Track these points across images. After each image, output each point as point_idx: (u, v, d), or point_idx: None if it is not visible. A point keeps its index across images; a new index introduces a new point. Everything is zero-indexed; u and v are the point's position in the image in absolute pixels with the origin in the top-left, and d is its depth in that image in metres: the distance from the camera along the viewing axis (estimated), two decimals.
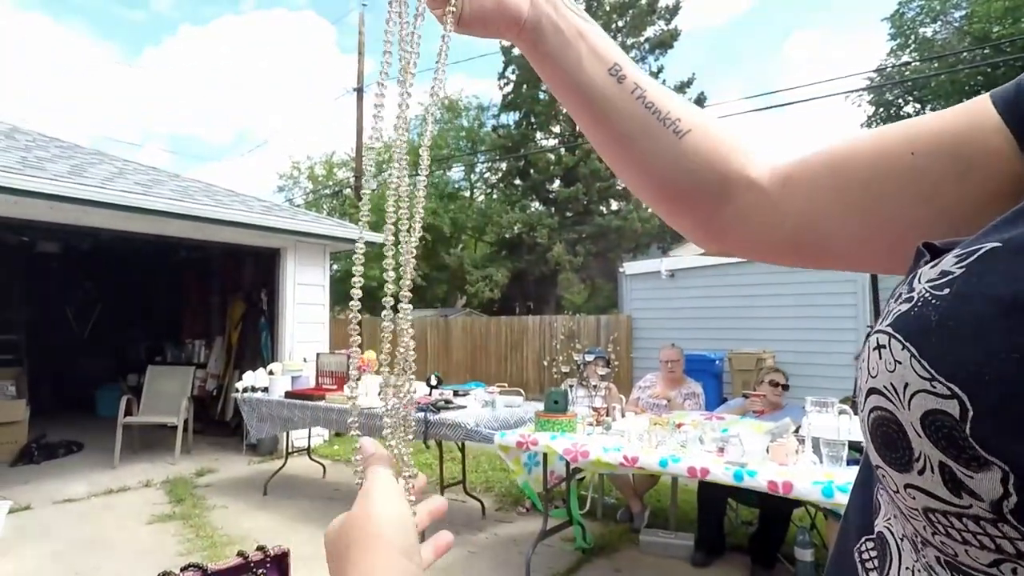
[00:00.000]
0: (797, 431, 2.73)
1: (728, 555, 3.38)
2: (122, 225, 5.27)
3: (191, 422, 6.20)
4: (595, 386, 3.48)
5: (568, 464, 3.02)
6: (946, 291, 0.25)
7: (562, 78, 0.48)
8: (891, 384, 0.25)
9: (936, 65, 13.51)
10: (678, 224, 0.52)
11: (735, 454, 2.55)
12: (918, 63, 14.32)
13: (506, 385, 4.50)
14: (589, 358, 3.73)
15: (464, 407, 3.88)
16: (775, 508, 3.10)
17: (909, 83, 14.37)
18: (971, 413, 0.22)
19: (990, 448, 0.22)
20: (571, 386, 3.47)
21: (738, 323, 7.84)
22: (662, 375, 4.11)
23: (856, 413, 2.73)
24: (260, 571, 0.90)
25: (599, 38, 0.48)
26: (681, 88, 16.42)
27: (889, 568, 0.30)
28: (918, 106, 15.37)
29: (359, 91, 13.50)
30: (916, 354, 0.24)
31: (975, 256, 0.25)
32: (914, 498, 0.25)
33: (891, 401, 0.25)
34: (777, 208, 0.46)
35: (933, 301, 0.25)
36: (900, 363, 0.25)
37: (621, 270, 10.22)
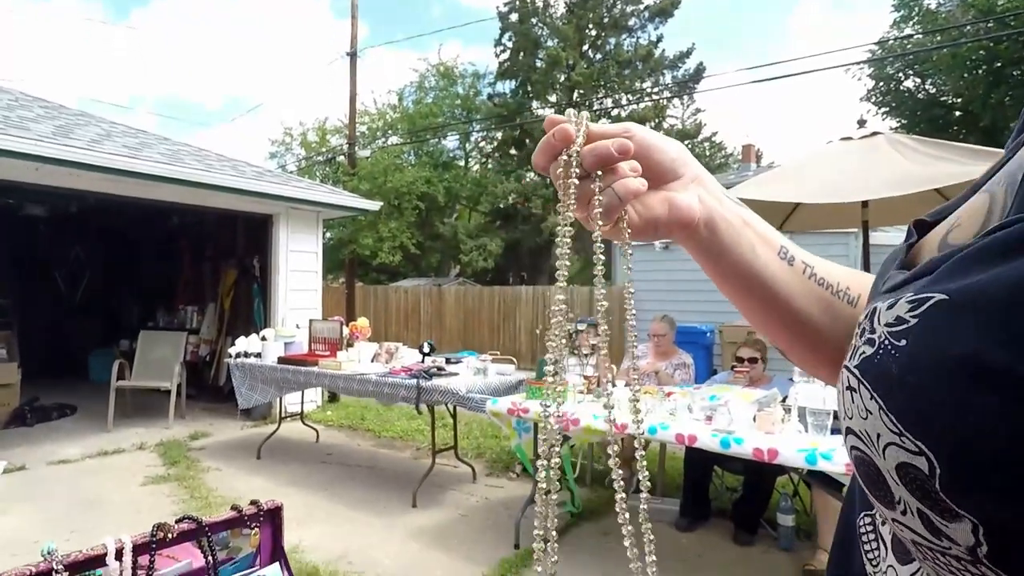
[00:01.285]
0: (784, 401, 2.77)
1: (712, 520, 3.47)
2: (110, 189, 5.19)
3: (184, 387, 6.23)
4: (586, 355, 3.51)
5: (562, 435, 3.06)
6: (903, 342, 0.25)
7: (736, 270, 0.47)
8: (865, 431, 0.26)
9: (939, 38, 13.33)
10: None
11: (723, 422, 2.60)
12: (920, 36, 14.12)
13: (498, 354, 4.53)
14: (581, 327, 3.75)
15: (456, 374, 3.91)
16: (759, 475, 3.17)
17: (910, 56, 14.19)
18: (938, 470, 0.23)
19: (958, 503, 0.22)
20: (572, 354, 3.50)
21: None
22: (651, 347, 4.15)
23: None
24: (253, 524, 0.91)
25: (761, 223, 0.47)
26: (680, 59, 16.17)
27: (890, 545, 0.31)
28: (918, 80, 15.22)
29: (352, 55, 13.19)
30: (883, 407, 0.25)
31: (926, 306, 0.25)
32: (902, 531, 0.26)
33: (868, 447, 0.26)
34: None
35: (892, 352, 0.25)
36: (871, 412, 0.25)
37: (615, 242, 10.21)
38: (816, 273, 0.47)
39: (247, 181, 5.87)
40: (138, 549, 0.81)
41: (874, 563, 0.33)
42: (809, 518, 3.34)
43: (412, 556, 3.09)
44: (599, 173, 0.42)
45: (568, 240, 0.41)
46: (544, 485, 0.41)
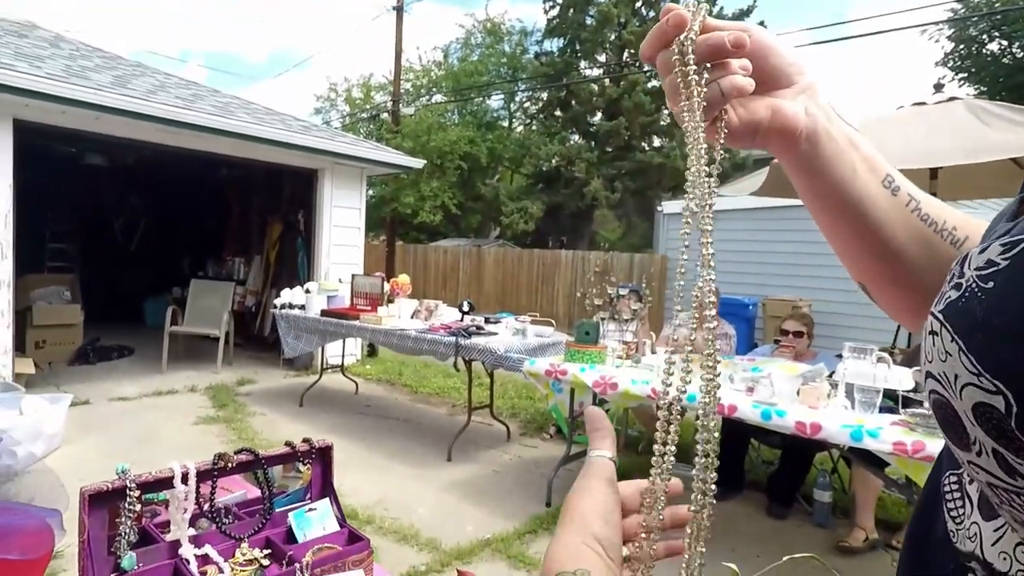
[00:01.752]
0: (831, 376, 2.69)
1: (746, 492, 3.45)
2: (164, 139, 5.33)
3: (232, 335, 6.48)
4: (626, 320, 3.48)
5: (596, 395, 3.07)
6: (990, 284, 0.25)
7: (832, 190, 0.44)
8: (943, 373, 0.26)
9: None
10: None
11: (764, 394, 2.55)
12: None
13: (537, 315, 4.53)
14: (623, 292, 3.71)
15: (495, 334, 3.94)
16: (798, 449, 3.12)
17: (998, 16, 13.07)
18: (1015, 409, 0.23)
19: None
20: (602, 319, 3.48)
21: (775, 268, 7.66)
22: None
23: (897, 363, 2.68)
24: (306, 461, 0.95)
25: (870, 148, 0.45)
26: (739, 17, 15.37)
27: (978, 502, 0.31)
28: (1004, 43, 14.06)
29: (399, 10, 13.02)
30: (964, 348, 0.25)
31: (1018, 248, 0.25)
32: (977, 473, 0.26)
33: (945, 389, 0.26)
34: None
35: (979, 294, 0.25)
36: (950, 354, 0.25)
37: (659, 208, 9.99)
38: (921, 208, 0.45)
39: (294, 135, 5.94)
40: (200, 476, 0.86)
41: (957, 520, 0.32)
42: (847, 496, 3.29)
43: (446, 507, 3.19)
44: (708, 65, 0.39)
45: (701, 140, 0.38)
46: (657, 470, 0.39)
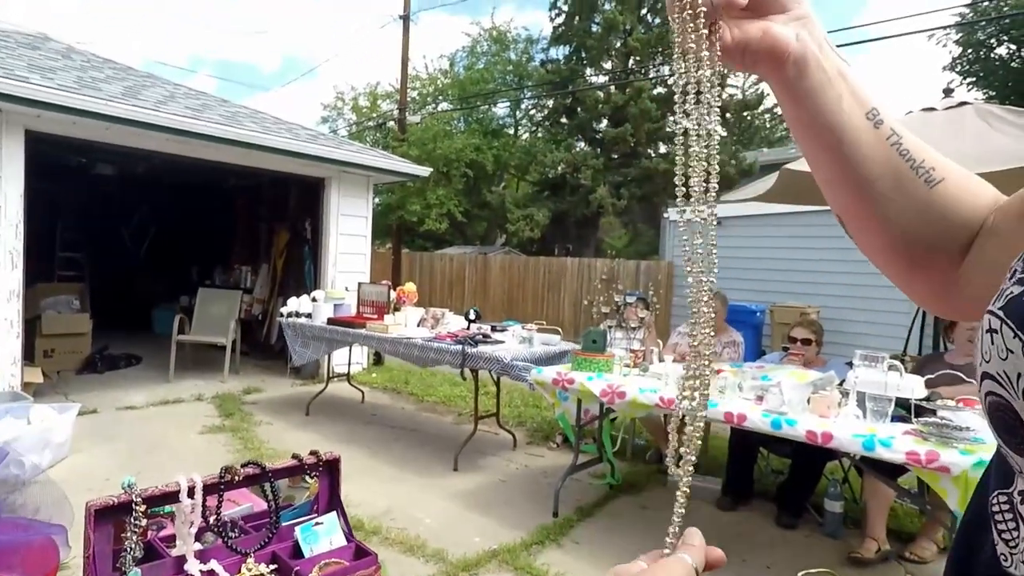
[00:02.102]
0: (841, 384, 2.67)
1: (755, 501, 3.41)
2: (174, 149, 5.37)
3: (239, 343, 6.50)
4: (634, 328, 3.46)
5: (602, 405, 3.05)
6: None
7: (816, 118, 0.46)
8: (1004, 372, 0.25)
9: None
10: (909, 286, 0.50)
11: (774, 403, 2.52)
12: None
13: (544, 323, 4.52)
14: (630, 300, 3.70)
15: (502, 342, 3.93)
16: (808, 459, 3.08)
17: (1007, 20, 13.00)
18: None
19: None
20: (609, 327, 3.46)
21: (784, 275, 7.62)
22: None
23: (909, 371, 2.64)
24: (313, 474, 0.94)
25: (859, 81, 0.47)
26: None
27: None
28: (1013, 47, 13.97)
29: (405, 19, 13.11)
30: None
31: None
32: None
33: (1005, 389, 0.25)
34: (1015, 253, 0.43)
35: None
36: (1012, 352, 0.24)
37: (665, 215, 9.97)
38: (902, 143, 0.46)
39: (302, 144, 5.97)
40: (207, 489, 0.85)
41: (1011, 544, 0.31)
42: (858, 506, 3.24)
43: (452, 517, 3.17)
44: None
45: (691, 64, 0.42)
46: (681, 485, 0.39)
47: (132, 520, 0.75)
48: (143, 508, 0.77)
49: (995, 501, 0.33)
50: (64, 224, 7.96)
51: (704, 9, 0.41)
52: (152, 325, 8.41)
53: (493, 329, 4.31)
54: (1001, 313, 0.26)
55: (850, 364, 2.79)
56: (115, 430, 4.31)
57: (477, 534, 2.96)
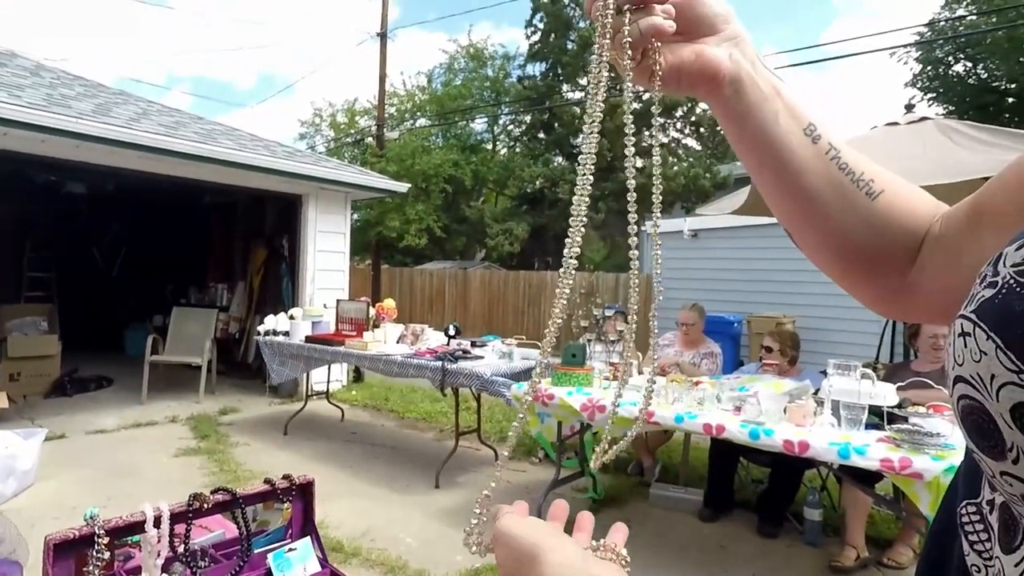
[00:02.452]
0: (816, 394, 2.71)
1: (736, 512, 3.43)
2: (147, 167, 5.29)
3: (215, 363, 6.38)
4: (613, 341, 3.48)
5: (582, 423, 3.05)
6: None
7: (755, 136, 0.47)
8: (977, 375, 0.25)
9: (994, 19, 12.68)
10: (859, 293, 0.52)
11: (752, 413, 2.55)
12: (974, 16, 13.46)
13: (524, 338, 4.52)
14: (608, 313, 3.72)
15: (482, 358, 3.92)
16: (787, 468, 3.11)
17: (962, 39, 13.53)
18: None
19: None
20: (589, 341, 3.47)
21: (760, 286, 7.74)
22: (680, 336, 4.10)
23: (879, 379, 2.70)
24: (286, 499, 0.92)
25: (794, 97, 0.47)
26: None
27: (1016, 531, 0.30)
28: (969, 64, 14.53)
29: (382, 36, 13.17)
30: (1002, 345, 0.24)
31: None
32: (1011, 485, 0.25)
33: (979, 391, 0.25)
34: (962, 258, 0.44)
35: (1018, 289, 0.24)
36: (986, 354, 0.24)
37: (643, 228, 10.08)
38: (840, 157, 0.47)
39: (278, 161, 5.93)
40: (175, 518, 0.83)
41: (983, 554, 0.31)
42: (836, 513, 3.28)
43: (434, 535, 3.12)
44: (630, 9, 0.43)
45: (603, 85, 0.43)
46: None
47: (94, 553, 0.73)
48: (106, 540, 0.75)
49: (964, 512, 0.33)
50: (32, 243, 7.76)
51: (629, 40, 0.42)
52: (124, 346, 8.21)
53: (473, 344, 4.30)
54: (974, 316, 0.26)
55: (825, 373, 2.84)
56: (84, 455, 4.18)
57: (459, 553, 2.92)
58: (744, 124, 0.47)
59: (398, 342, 4.48)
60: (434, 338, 4.49)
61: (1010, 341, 0.23)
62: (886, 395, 2.47)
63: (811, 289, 7.26)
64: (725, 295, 7.89)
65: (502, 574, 0.40)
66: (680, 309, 4.18)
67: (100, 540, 0.73)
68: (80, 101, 5.56)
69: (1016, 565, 0.28)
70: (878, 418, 2.45)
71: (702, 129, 17.12)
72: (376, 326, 4.64)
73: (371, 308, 4.79)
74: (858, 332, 6.56)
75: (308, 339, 4.70)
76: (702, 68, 0.44)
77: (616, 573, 0.36)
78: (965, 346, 0.26)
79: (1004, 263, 0.26)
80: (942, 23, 14.24)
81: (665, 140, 16.48)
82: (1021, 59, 12.87)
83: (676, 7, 0.44)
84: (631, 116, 0.45)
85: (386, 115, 14.98)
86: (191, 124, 6.46)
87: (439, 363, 3.72)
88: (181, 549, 0.85)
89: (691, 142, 17.82)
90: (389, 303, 4.84)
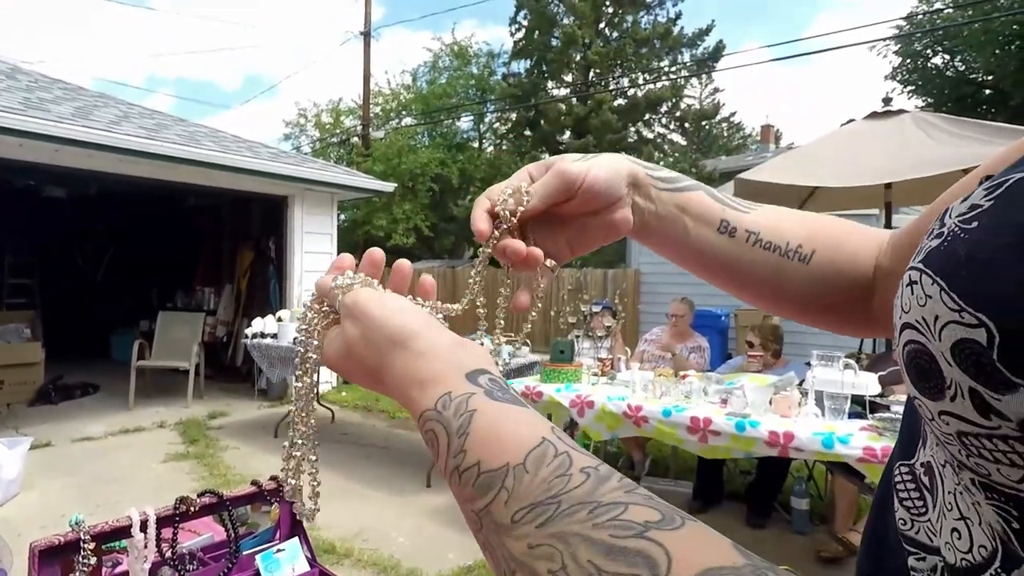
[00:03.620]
0: (801, 385, 2.74)
1: (725, 503, 3.47)
2: (128, 170, 5.24)
3: (203, 367, 6.33)
4: (601, 337, 3.50)
5: (571, 418, 3.07)
6: (974, 224, 0.26)
7: (679, 251, 0.51)
8: (922, 318, 0.26)
9: (970, 13, 12.87)
10: (836, 329, 0.54)
11: (738, 405, 2.58)
12: (951, 10, 13.65)
13: (513, 336, 4.53)
14: (596, 309, 3.74)
15: None
16: (774, 458, 3.15)
17: (939, 32, 13.72)
18: (998, 339, 0.23)
19: (1016, 371, 0.23)
20: (577, 337, 3.49)
21: None
22: (668, 328, 4.13)
23: (862, 369, 2.74)
24: (273, 500, 0.93)
25: (700, 203, 0.49)
26: (699, 36, 15.86)
27: (935, 492, 0.31)
28: (947, 57, 14.73)
29: (366, 35, 13.10)
30: (945, 287, 0.25)
31: (1003, 188, 0.26)
32: (948, 424, 0.26)
33: (923, 334, 0.26)
34: None
35: (962, 235, 0.26)
36: (931, 297, 0.26)
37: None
38: (762, 238, 0.49)
39: (263, 162, 5.89)
40: (162, 522, 0.83)
41: (913, 512, 0.33)
42: (823, 502, 3.33)
43: (426, 535, 3.13)
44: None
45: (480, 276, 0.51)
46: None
47: (80, 559, 0.73)
48: (92, 546, 0.75)
49: (897, 472, 0.35)
50: (13, 249, 7.65)
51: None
52: (110, 351, 8.12)
53: None
54: (921, 265, 0.27)
55: (809, 364, 2.88)
56: (71, 463, 4.13)
57: (452, 551, 2.93)
58: (664, 245, 0.50)
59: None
60: None
61: (953, 283, 0.25)
62: (868, 384, 2.51)
63: None
64: (712, 288, 7.89)
65: (347, 366, 0.40)
66: (670, 302, 4.20)
67: (86, 546, 0.73)
68: (59, 104, 5.48)
69: (957, 521, 0.29)
70: (861, 407, 2.49)
71: (687, 124, 17.21)
72: None
73: None
74: None
75: (296, 341, 4.67)
76: (616, 234, 0.49)
77: (486, 360, 0.36)
78: (912, 293, 0.27)
79: (950, 215, 0.28)
80: (920, 16, 14.42)
81: (651, 136, 16.55)
82: (997, 51, 13.07)
83: (576, 200, 0.46)
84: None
85: (371, 114, 14.91)
86: (173, 126, 6.39)
87: None
88: (168, 553, 0.85)
89: (677, 137, 17.91)
90: None
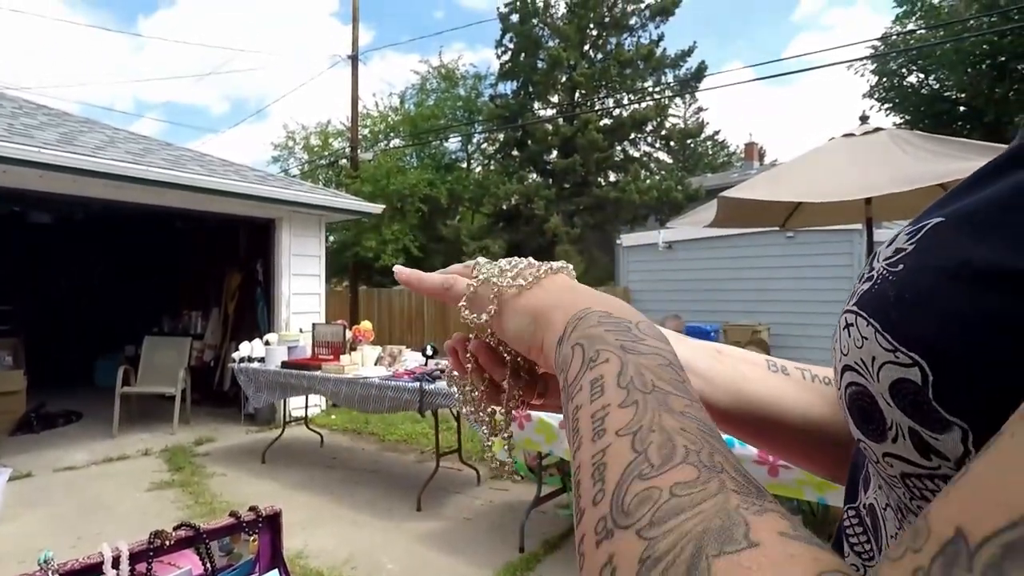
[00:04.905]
0: None
1: None
2: (114, 195, 5.21)
3: (189, 392, 6.24)
4: None
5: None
6: (900, 267, 0.27)
7: (738, 407, 0.42)
8: (861, 360, 0.27)
9: (942, 33, 13.25)
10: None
11: None
12: (923, 31, 14.03)
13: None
14: None
15: None
16: None
17: (914, 52, 14.10)
18: (931, 378, 0.23)
19: (950, 409, 0.23)
20: None
21: (734, 295, 7.87)
22: None
23: None
24: (252, 531, 0.91)
25: (734, 349, 0.45)
26: (682, 57, 16.16)
27: (878, 536, 0.31)
28: (921, 76, 15.12)
29: (354, 59, 13.22)
30: (879, 328, 0.26)
31: (922, 232, 0.27)
32: (892, 465, 0.26)
33: (862, 375, 0.27)
34: None
35: (890, 278, 0.27)
36: (867, 338, 0.26)
37: (618, 242, 10.21)
38: (817, 374, 0.44)
39: (249, 185, 5.88)
40: (135, 557, 0.81)
41: (863, 555, 0.33)
42: (816, 518, 3.31)
43: (417, 560, 3.08)
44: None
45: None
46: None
47: None
48: None
49: (846, 516, 0.35)
50: None
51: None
52: (94, 377, 7.99)
53: None
54: (855, 308, 0.28)
55: None
56: (52, 494, 4.04)
57: (443, 575, 2.89)
58: (714, 403, 0.41)
59: (376, 364, 4.44)
60: (412, 359, 4.46)
61: (886, 324, 0.26)
62: None
63: (781, 296, 7.41)
64: (702, 304, 8.00)
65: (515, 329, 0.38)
66: (663, 319, 4.22)
67: None
68: (43, 130, 5.47)
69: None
70: None
71: (672, 143, 17.45)
72: (353, 349, 4.60)
73: (348, 331, 4.75)
74: (827, 338, 6.69)
75: (284, 364, 4.63)
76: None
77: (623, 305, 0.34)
78: (849, 336, 0.28)
79: (878, 259, 0.29)
80: (894, 37, 14.81)
81: (637, 155, 16.73)
82: (969, 70, 13.43)
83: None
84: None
85: (360, 136, 14.99)
86: (159, 151, 6.39)
87: (417, 384, 3.70)
88: None
89: (662, 155, 18.13)
90: (366, 325, 4.80)
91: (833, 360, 0.30)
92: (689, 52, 16.04)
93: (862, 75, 15.68)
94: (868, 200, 3.39)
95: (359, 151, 14.17)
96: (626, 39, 16.31)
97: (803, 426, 0.42)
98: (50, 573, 0.73)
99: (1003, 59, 12.72)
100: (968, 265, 0.23)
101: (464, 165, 19.58)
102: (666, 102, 16.51)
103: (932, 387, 0.23)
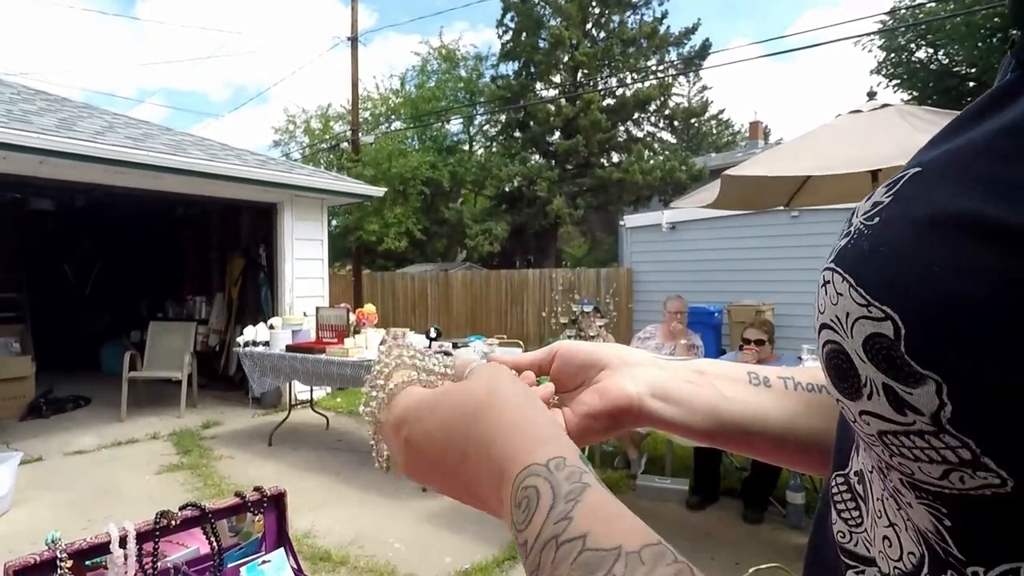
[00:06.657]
0: None
1: (721, 500, 3.47)
2: (114, 180, 5.20)
3: (195, 377, 6.28)
4: (592, 336, 3.50)
5: None
6: (876, 220, 0.26)
7: (720, 423, 0.43)
8: (836, 317, 0.26)
9: (952, 6, 12.98)
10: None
11: None
12: (932, 4, 13.76)
13: (505, 337, 4.52)
14: (587, 309, 3.74)
15: None
16: None
17: (922, 26, 13.84)
18: (903, 331, 0.23)
19: (923, 362, 0.23)
20: (570, 337, 3.49)
21: (738, 275, 7.84)
22: (663, 326, 4.12)
23: None
24: (257, 511, 0.92)
25: (716, 365, 0.45)
26: (686, 35, 15.92)
27: (866, 500, 0.31)
28: (930, 51, 14.86)
29: (354, 40, 13.07)
30: (853, 283, 0.25)
31: (900, 183, 0.26)
32: (868, 424, 0.26)
33: (837, 332, 0.26)
34: None
35: (865, 231, 0.26)
36: (841, 295, 0.26)
37: (622, 223, 10.15)
38: (800, 381, 0.43)
39: (250, 169, 5.86)
40: (142, 536, 0.82)
41: (850, 522, 0.32)
42: (818, 493, 3.34)
43: (423, 539, 3.12)
44: None
45: None
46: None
47: None
48: (69, 564, 0.74)
49: (834, 483, 0.34)
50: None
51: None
52: (101, 363, 8.05)
53: (455, 346, 4.29)
54: (832, 264, 0.27)
55: (801, 358, 2.89)
56: (62, 478, 4.09)
57: (449, 554, 2.92)
58: (698, 421, 0.42)
59: (380, 346, 4.45)
60: (416, 341, 4.47)
61: (860, 278, 0.25)
62: None
63: (785, 276, 7.38)
64: (706, 285, 7.97)
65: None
66: (667, 299, 4.19)
67: (63, 564, 0.72)
68: (42, 116, 5.44)
69: (886, 527, 0.28)
70: None
71: (676, 122, 17.27)
72: (357, 332, 4.61)
73: (351, 314, 4.76)
74: None
75: (289, 348, 4.65)
76: (613, 402, 0.41)
77: (558, 429, 0.33)
78: (826, 294, 0.27)
79: (856, 215, 0.28)
80: (903, 11, 14.53)
81: (641, 135, 16.58)
82: (979, 44, 13.19)
83: (559, 366, 0.44)
84: None
85: (361, 119, 14.88)
86: (159, 136, 6.35)
87: None
88: (150, 569, 0.84)
89: (666, 135, 17.96)
90: (369, 308, 4.81)
91: (813, 321, 0.29)
92: (693, 30, 15.80)
93: (870, 51, 15.43)
94: (875, 176, 3.35)
95: (360, 134, 14.07)
96: (629, 17, 16.07)
97: (786, 435, 0.42)
98: (58, 552, 0.73)
99: (1014, 32, 12.45)
100: (942, 214, 0.23)
101: (466, 147, 19.45)
102: (670, 81, 16.30)
103: (904, 341, 0.23)
